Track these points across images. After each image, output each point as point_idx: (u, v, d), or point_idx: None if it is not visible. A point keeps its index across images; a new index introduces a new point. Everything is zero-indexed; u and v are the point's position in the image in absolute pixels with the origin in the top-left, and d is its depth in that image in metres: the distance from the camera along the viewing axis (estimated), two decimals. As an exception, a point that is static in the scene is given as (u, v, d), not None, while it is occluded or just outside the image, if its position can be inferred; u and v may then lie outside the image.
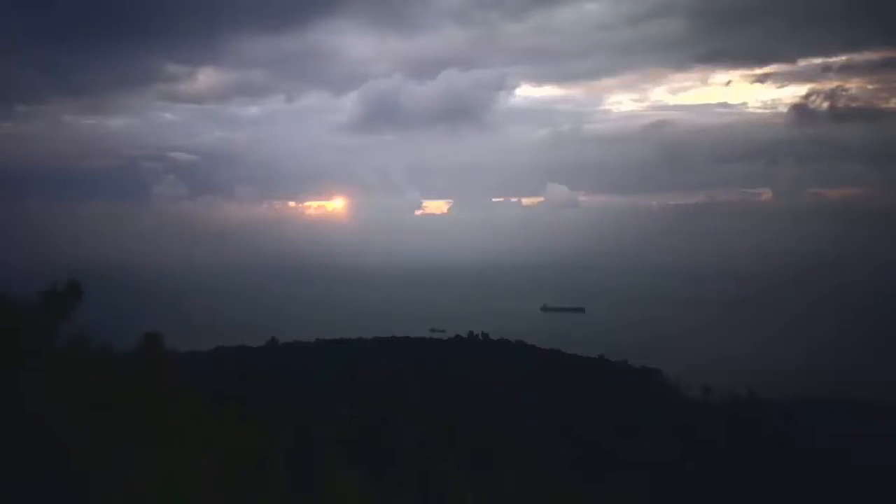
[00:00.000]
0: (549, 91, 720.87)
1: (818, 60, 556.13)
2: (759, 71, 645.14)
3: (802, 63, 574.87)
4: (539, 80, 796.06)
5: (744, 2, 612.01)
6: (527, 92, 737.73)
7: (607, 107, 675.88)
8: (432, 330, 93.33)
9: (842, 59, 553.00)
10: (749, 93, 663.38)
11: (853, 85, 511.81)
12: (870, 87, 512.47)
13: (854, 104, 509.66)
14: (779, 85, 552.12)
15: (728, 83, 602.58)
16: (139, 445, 1.71)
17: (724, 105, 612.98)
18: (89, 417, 1.87)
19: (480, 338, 79.86)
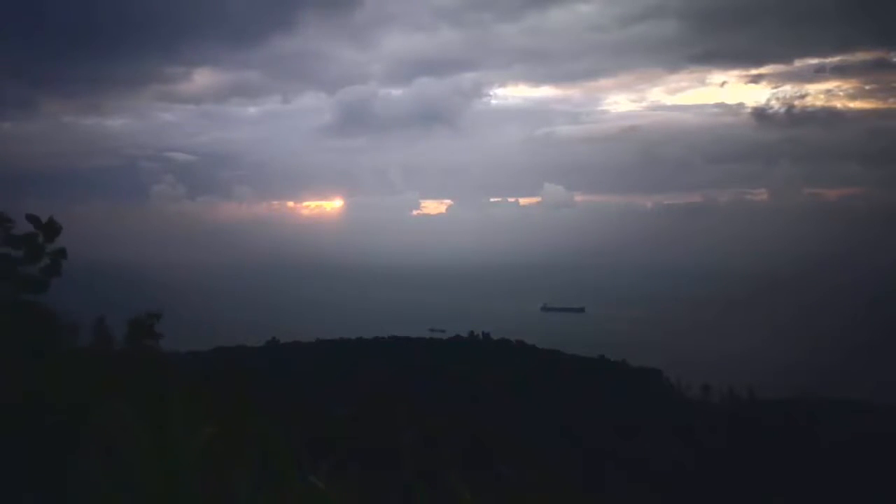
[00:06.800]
0: (546, 91, 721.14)
1: (813, 61, 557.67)
2: (754, 71, 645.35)
3: (798, 63, 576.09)
4: (536, 80, 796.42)
5: (737, 3, 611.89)
6: (524, 92, 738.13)
7: (605, 107, 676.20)
8: (432, 330, 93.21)
9: (836, 59, 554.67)
10: (744, 93, 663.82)
11: (849, 85, 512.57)
12: (866, 87, 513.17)
13: (849, 104, 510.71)
14: (774, 85, 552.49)
15: (723, 84, 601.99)
16: (132, 433, 1.72)
17: (721, 105, 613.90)
18: (86, 407, 1.88)
19: (480, 338, 79.74)
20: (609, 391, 53.94)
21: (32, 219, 2.35)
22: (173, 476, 1.70)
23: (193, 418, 1.85)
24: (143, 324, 2.26)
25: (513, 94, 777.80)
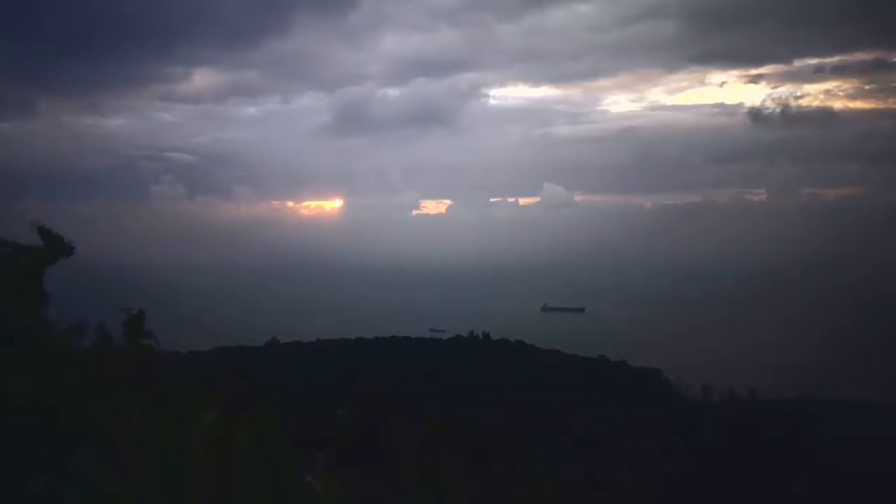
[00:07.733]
0: (545, 92, 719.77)
1: (812, 61, 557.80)
2: (753, 71, 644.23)
3: (797, 63, 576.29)
4: (535, 81, 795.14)
5: (736, 3, 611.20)
6: (523, 93, 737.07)
7: (604, 107, 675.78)
8: (432, 330, 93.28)
9: (835, 59, 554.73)
10: (744, 93, 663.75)
11: (848, 85, 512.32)
12: (866, 87, 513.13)
13: (849, 105, 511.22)
14: (773, 85, 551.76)
15: (722, 84, 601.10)
16: (134, 433, 1.72)
17: (720, 105, 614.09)
18: (88, 407, 1.89)
19: (480, 338, 79.73)
20: (609, 391, 53.94)
21: (42, 231, 2.33)
22: (174, 475, 1.72)
23: (194, 418, 1.86)
24: (137, 321, 2.27)
25: (512, 94, 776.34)
